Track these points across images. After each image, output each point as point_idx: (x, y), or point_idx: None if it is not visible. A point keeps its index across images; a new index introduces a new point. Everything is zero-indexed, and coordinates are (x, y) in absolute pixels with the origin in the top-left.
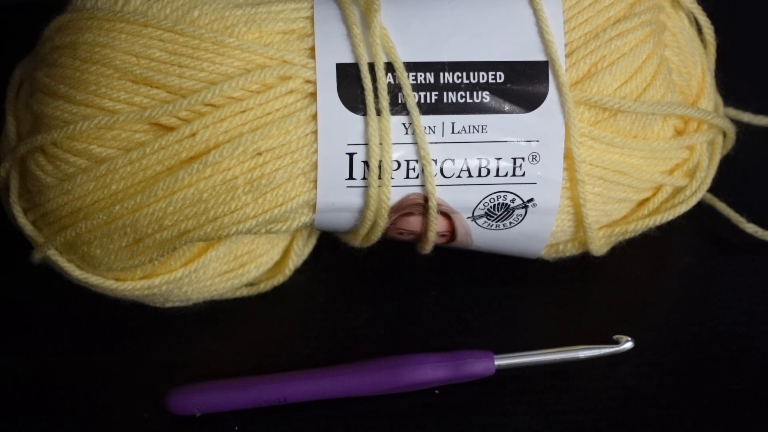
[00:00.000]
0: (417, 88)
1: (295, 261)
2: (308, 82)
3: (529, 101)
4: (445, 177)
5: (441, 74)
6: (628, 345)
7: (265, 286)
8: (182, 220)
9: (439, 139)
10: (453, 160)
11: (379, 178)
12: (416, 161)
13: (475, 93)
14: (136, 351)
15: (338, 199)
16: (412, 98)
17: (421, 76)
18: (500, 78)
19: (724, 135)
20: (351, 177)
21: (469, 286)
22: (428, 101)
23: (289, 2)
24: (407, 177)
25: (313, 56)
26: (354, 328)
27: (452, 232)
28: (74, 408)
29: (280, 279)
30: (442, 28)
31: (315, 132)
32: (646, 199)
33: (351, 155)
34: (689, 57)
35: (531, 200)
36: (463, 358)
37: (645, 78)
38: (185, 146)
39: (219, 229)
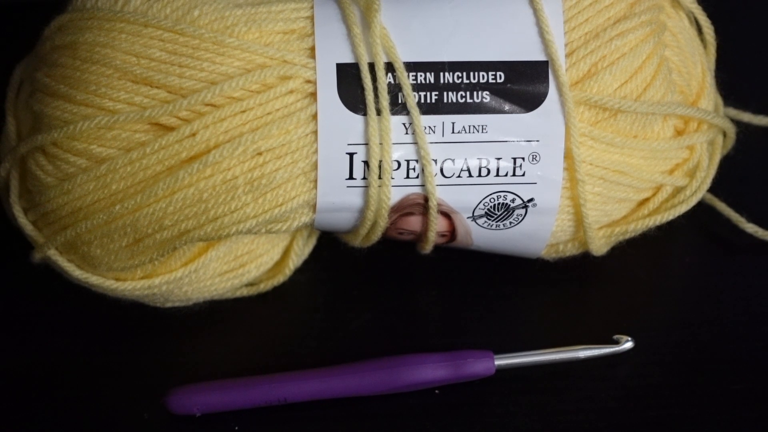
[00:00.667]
0: (417, 88)
1: (295, 261)
2: (308, 82)
3: (529, 101)
4: (445, 177)
5: (441, 74)
6: (628, 345)
7: (265, 286)
8: (182, 220)
9: (439, 139)
10: (453, 160)
11: (380, 178)
12: (416, 161)
13: (475, 93)
14: (136, 351)
15: (338, 199)
16: (412, 98)
17: (421, 76)
18: (500, 78)
19: (724, 135)
20: (351, 177)
21: (469, 286)
22: (428, 101)
23: (289, 2)
24: (407, 177)
25: (313, 56)
26: (354, 328)
27: (452, 232)
28: (74, 408)
29: (280, 279)
30: (442, 28)
31: (315, 132)
32: (646, 199)
33: (351, 155)
34: (689, 57)
35: (531, 200)
36: (463, 358)
37: (645, 78)
38: (185, 146)
39: (219, 229)
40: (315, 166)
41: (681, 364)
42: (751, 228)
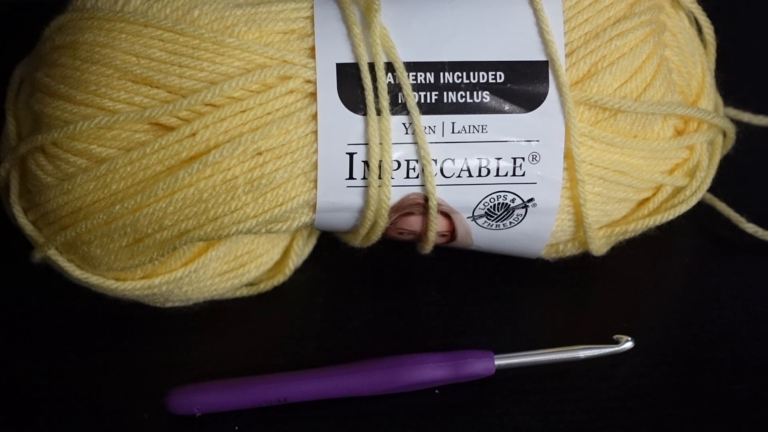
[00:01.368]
0: (417, 87)
1: (295, 261)
2: (308, 81)
3: (529, 101)
4: (445, 177)
5: (441, 74)
6: (628, 345)
7: (265, 286)
8: (182, 220)
9: (439, 139)
10: (453, 160)
11: (380, 177)
12: (416, 161)
13: (475, 93)
14: (136, 351)
15: (338, 199)
16: (412, 98)
17: (421, 75)
18: (500, 78)
19: (724, 135)
20: (351, 177)
21: (469, 286)
22: (428, 101)
23: (289, 2)
24: (407, 177)
25: (313, 56)
26: (354, 328)
27: (452, 232)
28: (74, 408)
29: (280, 279)
30: (442, 28)
31: (315, 132)
32: (646, 199)
33: (351, 155)
34: (689, 57)
35: (531, 200)
36: (463, 358)
37: (645, 78)
38: (185, 146)
39: (219, 228)
40: (315, 166)
41: (681, 364)
42: (751, 228)
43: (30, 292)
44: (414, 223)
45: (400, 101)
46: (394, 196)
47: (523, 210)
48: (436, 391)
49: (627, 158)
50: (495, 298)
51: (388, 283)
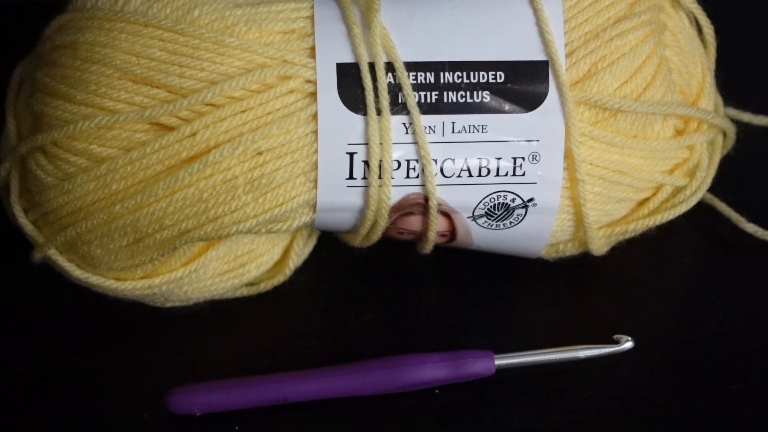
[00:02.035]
0: (417, 87)
1: (295, 261)
2: (308, 81)
3: (530, 101)
4: (446, 177)
5: (441, 74)
6: (628, 345)
7: (265, 286)
8: (182, 220)
9: (440, 139)
10: (453, 160)
11: (380, 177)
12: (416, 161)
13: (475, 93)
14: (136, 351)
15: (338, 199)
16: (412, 98)
17: (421, 75)
18: (500, 78)
19: (724, 135)
20: (351, 177)
21: (469, 286)
22: (428, 101)
23: (290, 2)
24: (407, 177)
25: (313, 56)
26: (354, 328)
27: (452, 232)
28: (74, 408)
29: (280, 279)
30: (442, 28)
31: (315, 132)
32: (646, 199)
33: (351, 155)
34: (689, 57)
35: (531, 200)
36: (463, 358)
37: (645, 78)
38: (185, 146)
39: (219, 228)
40: (315, 166)
41: (681, 364)
42: (751, 228)
43: (30, 292)
44: (414, 223)
45: (400, 101)
46: (395, 196)
47: (524, 210)
48: (436, 391)
49: (627, 158)
50: (495, 298)
51: (388, 283)
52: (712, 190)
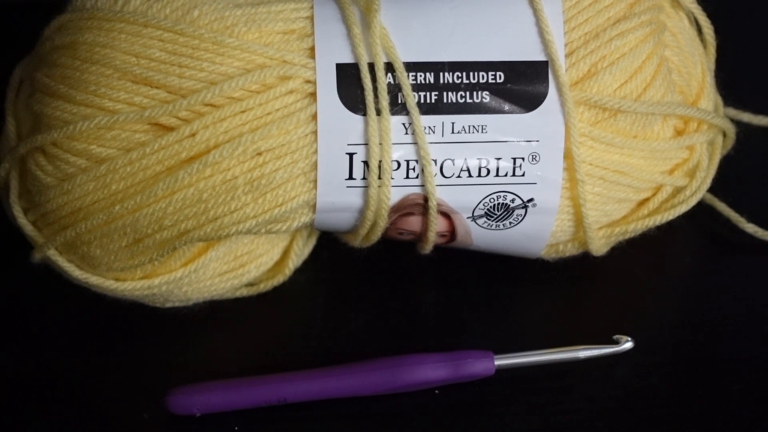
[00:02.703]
0: (417, 88)
1: (295, 261)
2: (308, 82)
3: (529, 101)
4: (445, 177)
5: (441, 74)
6: (628, 345)
7: (264, 286)
8: (182, 220)
9: (439, 139)
10: (453, 160)
11: (379, 178)
12: (416, 161)
13: (474, 93)
14: (136, 351)
15: (338, 199)
16: (412, 98)
17: (420, 76)
18: (500, 78)
19: (724, 135)
20: (351, 177)
21: (469, 286)
22: (428, 101)
23: (289, 2)
24: (407, 177)
25: (313, 56)
26: (354, 328)
27: (452, 232)
28: (74, 408)
29: (280, 279)
30: (442, 28)
31: (315, 132)
32: (646, 199)
33: (351, 155)
34: (689, 57)
35: (531, 200)
36: (463, 358)
37: (645, 78)
38: (185, 146)
39: (219, 229)
40: (315, 166)
41: (681, 364)
42: (750, 228)
43: (30, 293)
44: (414, 223)
45: (399, 101)
46: (394, 196)
47: (523, 210)
48: (436, 392)
49: (627, 158)
50: (495, 298)
51: (388, 283)
52: (712, 190)
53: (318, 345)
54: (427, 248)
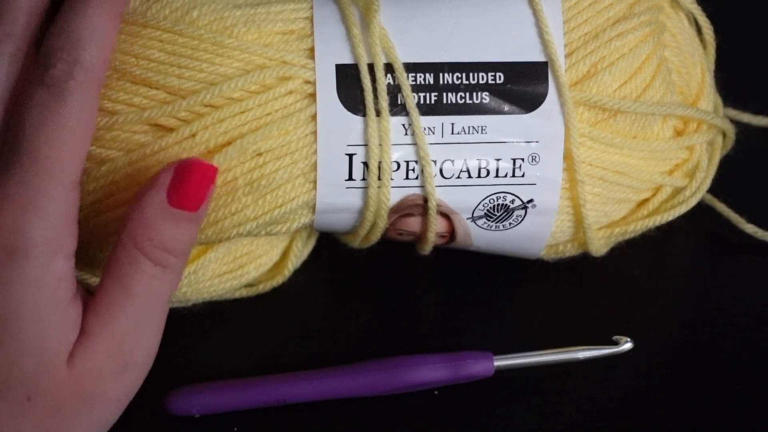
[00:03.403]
0: (416, 88)
1: (294, 262)
2: (308, 82)
3: (529, 102)
4: (445, 178)
5: (440, 75)
6: (628, 346)
7: (264, 287)
8: None
9: (439, 140)
10: (453, 161)
11: (379, 179)
12: (416, 162)
13: (474, 94)
14: None
15: (338, 200)
16: (411, 99)
17: (420, 76)
18: (500, 79)
19: (724, 135)
20: (350, 178)
21: (469, 286)
22: (428, 102)
23: (289, 3)
24: (407, 178)
25: (312, 57)
26: (354, 329)
27: (452, 233)
28: None
29: (279, 280)
30: (441, 29)
31: (314, 132)
32: (646, 200)
33: (350, 156)
34: (689, 57)
35: (530, 201)
36: (462, 358)
37: (644, 78)
38: (185, 147)
39: (220, 232)
40: (314, 167)
41: (681, 364)
42: (750, 228)
43: None
44: (413, 224)
45: (399, 102)
46: (394, 197)
47: (523, 211)
48: (436, 392)
49: (627, 159)
50: (495, 299)
51: (388, 283)
52: (712, 190)
53: (318, 345)
54: (427, 249)
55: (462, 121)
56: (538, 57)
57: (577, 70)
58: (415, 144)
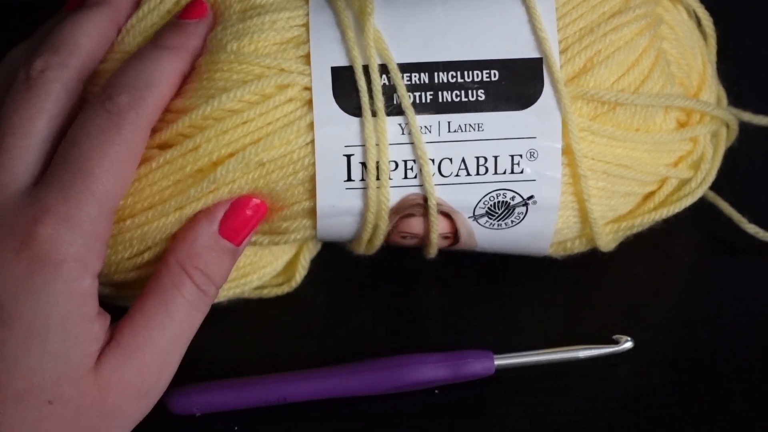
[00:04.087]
0: (412, 88)
1: (302, 273)
2: (306, 89)
3: (525, 98)
4: (444, 176)
5: (435, 74)
6: (628, 345)
7: (269, 292)
8: None
9: (436, 139)
10: (450, 159)
11: (378, 179)
12: (414, 161)
13: (470, 92)
14: None
15: (338, 203)
16: (407, 98)
17: (415, 76)
18: (495, 76)
19: (728, 127)
20: (350, 179)
21: (469, 286)
22: (423, 101)
23: (284, 11)
24: (405, 177)
25: (309, 63)
26: (354, 328)
27: (455, 234)
28: None
29: (285, 289)
30: (435, 29)
31: (314, 136)
32: (652, 193)
33: (348, 157)
34: (688, 49)
35: (531, 197)
36: (463, 358)
37: (642, 70)
38: (189, 160)
39: None
40: (314, 170)
41: (681, 363)
42: (752, 229)
43: None
44: (416, 225)
45: (395, 102)
46: (394, 197)
47: (524, 208)
48: (436, 391)
49: (630, 152)
50: (495, 298)
51: (388, 283)
52: (714, 189)
53: (318, 344)
54: (432, 251)
55: (458, 119)
56: (532, 53)
57: (573, 65)
58: (412, 143)
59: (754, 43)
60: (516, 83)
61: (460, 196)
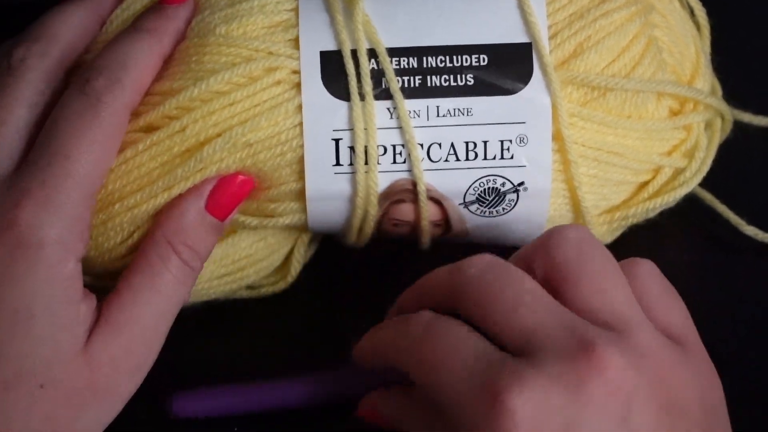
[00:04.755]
0: (400, 72)
1: (297, 267)
2: (295, 72)
3: (514, 83)
4: (433, 161)
5: (424, 58)
6: None
7: (266, 291)
8: None
9: (425, 123)
10: (439, 144)
11: (366, 163)
12: (402, 146)
13: (458, 76)
14: None
15: (327, 187)
16: (395, 82)
17: (404, 60)
18: (483, 61)
19: (723, 119)
20: (338, 163)
21: None
22: (412, 85)
23: None
24: (394, 162)
25: (298, 47)
26: (354, 329)
27: (446, 221)
28: None
29: (281, 285)
30: (424, 13)
31: (302, 120)
32: (646, 182)
33: (337, 141)
34: (681, 38)
35: (521, 184)
36: None
37: (633, 56)
38: (176, 141)
39: None
40: (303, 154)
41: None
42: (750, 230)
43: None
44: (406, 211)
45: (383, 86)
46: (382, 182)
47: (515, 195)
48: None
49: (621, 139)
50: None
51: (388, 283)
52: (713, 190)
53: (317, 346)
54: (425, 240)
55: (447, 103)
56: (521, 38)
57: (562, 50)
58: (400, 128)
59: (754, 43)
60: (505, 68)
61: (450, 182)
